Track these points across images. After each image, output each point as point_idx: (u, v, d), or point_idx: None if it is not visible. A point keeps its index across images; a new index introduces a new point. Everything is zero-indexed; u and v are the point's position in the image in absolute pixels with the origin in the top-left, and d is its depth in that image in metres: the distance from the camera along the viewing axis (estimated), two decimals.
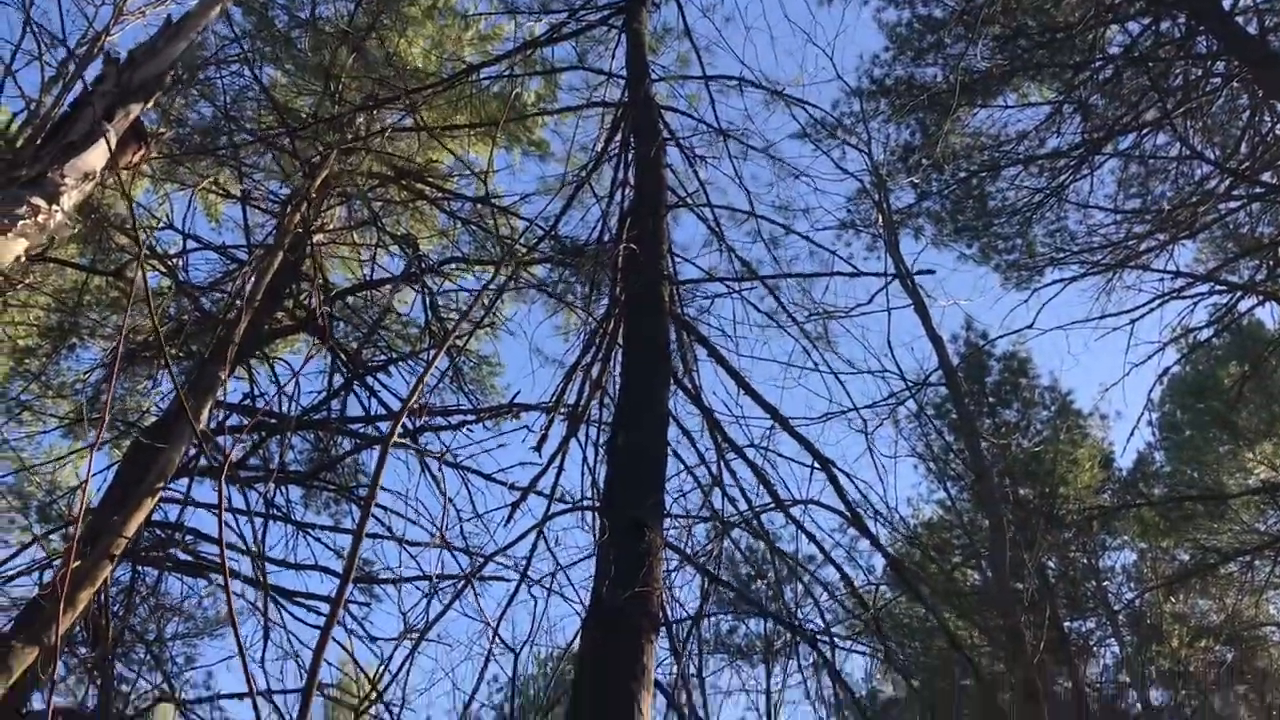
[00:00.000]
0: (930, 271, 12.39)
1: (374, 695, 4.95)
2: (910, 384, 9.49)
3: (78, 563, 4.08)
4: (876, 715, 9.41)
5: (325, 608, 9.48)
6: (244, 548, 9.26)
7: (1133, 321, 12.00)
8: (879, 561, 13.01)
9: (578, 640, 5.54)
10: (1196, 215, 12.12)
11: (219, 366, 5.52)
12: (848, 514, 7.48)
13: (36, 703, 8.60)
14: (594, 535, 6.36)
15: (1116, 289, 12.68)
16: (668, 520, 6.27)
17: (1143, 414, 12.56)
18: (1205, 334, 13.10)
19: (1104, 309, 12.42)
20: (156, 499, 5.07)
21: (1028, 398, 16.66)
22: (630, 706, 4.80)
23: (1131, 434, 16.90)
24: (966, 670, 12.41)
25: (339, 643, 9.06)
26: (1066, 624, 14.59)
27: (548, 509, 5.98)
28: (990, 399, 16.44)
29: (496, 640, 5.55)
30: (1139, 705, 15.63)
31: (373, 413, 10.56)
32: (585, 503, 6.58)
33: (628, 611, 5.23)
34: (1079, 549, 15.45)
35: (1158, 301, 12.09)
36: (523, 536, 5.59)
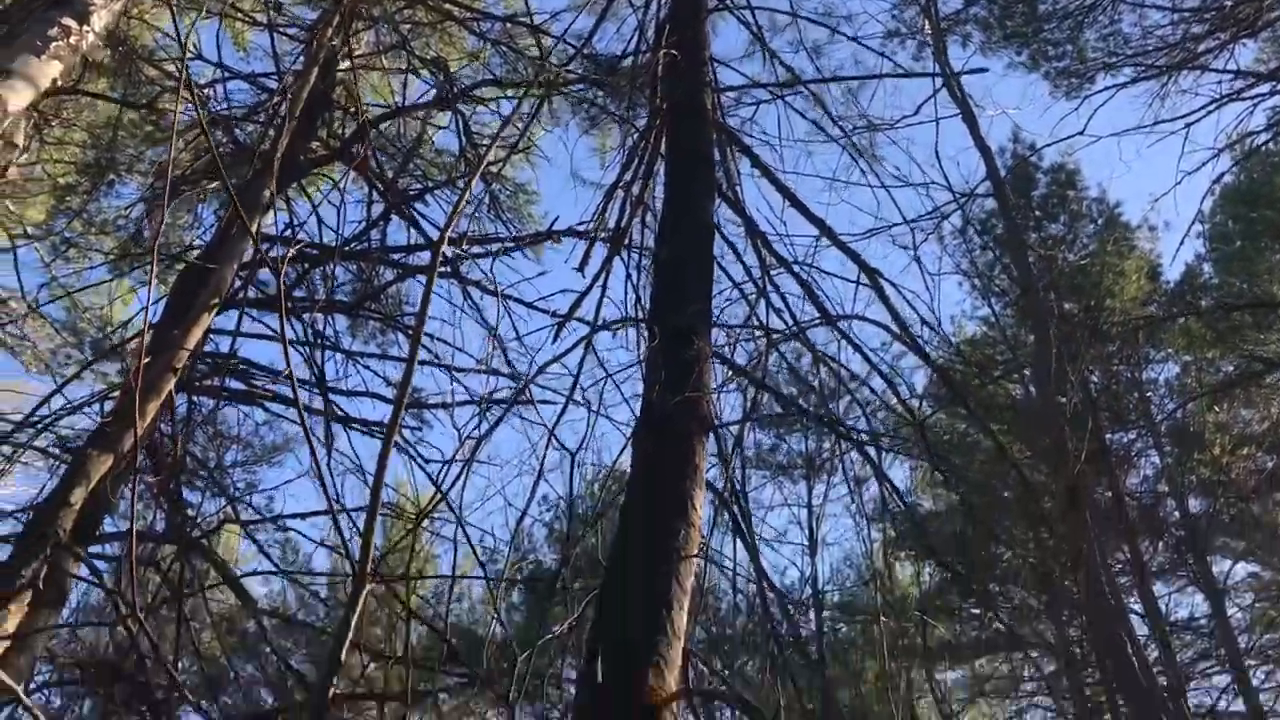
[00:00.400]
0: (983, 70, 11.89)
1: (436, 499, 5.11)
2: (958, 195, 9.30)
3: (148, 359, 4.17)
4: (918, 527, 9.64)
5: (380, 431, 9.76)
6: (301, 375, 9.50)
7: (1188, 126, 11.59)
8: (922, 381, 13.05)
9: (629, 450, 5.64)
10: (1260, 11, 11.51)
11: (265, 182, 5.50)
12: (894, 325, 7.47)
13: (108, 526, 9.01)
14: (640, 351, 6.41)
15: (1171, 94, 12.17)
16: (715, 332, 6.29)
17: (1192, 224, 12.23)
18: (1262, 138, 12.66)
19: (1157, 115, 11.97)
20: (213, 314, 5.14)
21: (1075, 210, 16.30)
22: (684, 504, 4.93)
23: (1180, 245, 16.56)
24: (1008, 484, 12.60)
25: (403, 442, 9.33)
26: (1108, 436, 14.69)
27: (595, 321, 6.01)
28: (1036, 212, 16.12)
29: (549, 450, 5.64)
30: (1177, 513, 15.88)
31: (412, 242, 10.61)
32: (632, 317, 6.60)
33: (678, 416, 5.30)
34: (1122, 362, 15.42)
35: (1214, 105, 11.64)
36: (572, 349, 5.63)
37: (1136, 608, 14.03)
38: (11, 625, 3.83)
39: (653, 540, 4.76)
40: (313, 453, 3.94)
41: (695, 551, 4.76)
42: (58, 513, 4.17)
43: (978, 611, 15.87)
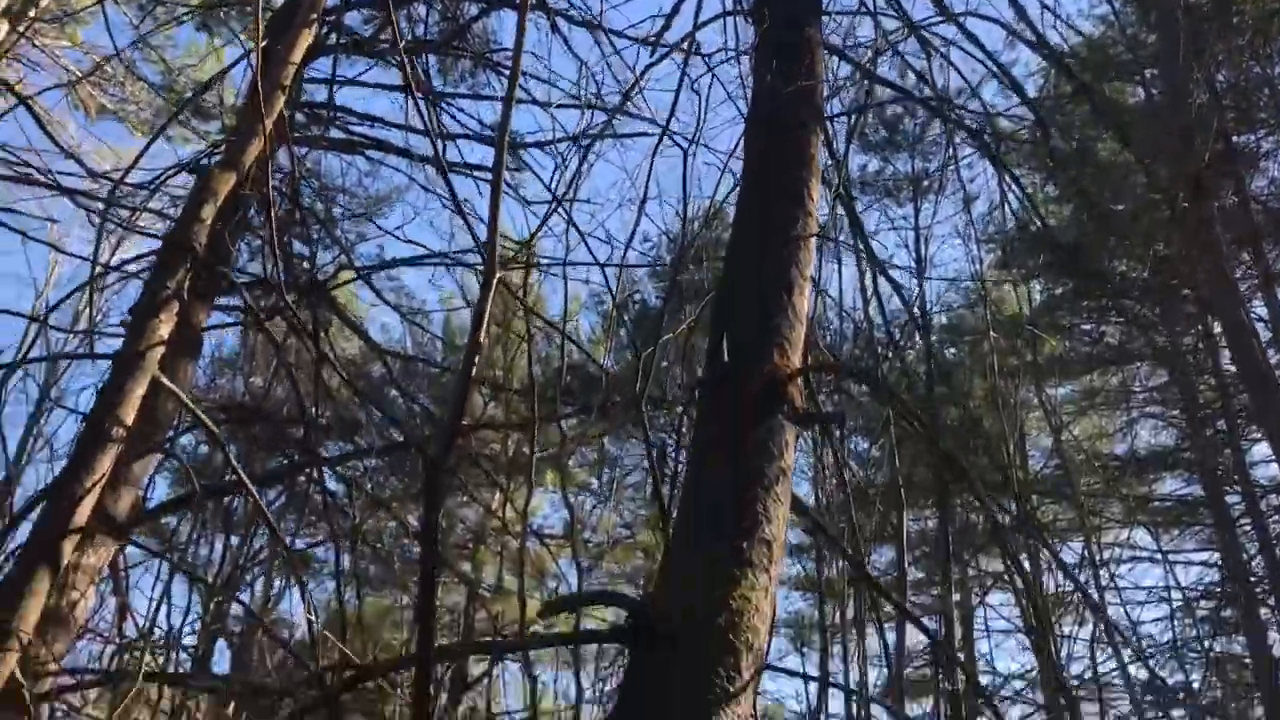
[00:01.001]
0: None
1: (552, 205, 5.12)
2: None
3: (267, 39, 4.14)
4: (1037, 213, 9.39)
5: (480, 174, 9.80)
6: (400, 121, 9.48)
7: None
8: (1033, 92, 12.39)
9: (741, 144, 5.50)
10: None
11: None
12: (1015, 11, 7.04)
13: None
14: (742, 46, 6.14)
15: None
16: (824, 21, 5.99)
17: None
18: None
19: None
20: (314, 30, 5.06)
21: None
22: (799, 193, 4.84)
23: None
24: (1127, 195, 12.16)
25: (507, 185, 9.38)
26: (1235, 138, 13.87)
27: (696, 18, 5.76)
28: None
29: (651, 178, 5.56)
30: None
31: None
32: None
33: (789, 107, 5.14)
34: (1254, 56, 14.29)
35: None
36: (676, 46, 5.42)
37: (1260, 311, 13.65)
38: (165, 332, 4.03)
39: (769, 228, 4.71)
40: (450, 190, 3.92)
41: (813, 232, 4.71)
42: (191, 227, 4.29)
43: (1088, 327, 15.68)
